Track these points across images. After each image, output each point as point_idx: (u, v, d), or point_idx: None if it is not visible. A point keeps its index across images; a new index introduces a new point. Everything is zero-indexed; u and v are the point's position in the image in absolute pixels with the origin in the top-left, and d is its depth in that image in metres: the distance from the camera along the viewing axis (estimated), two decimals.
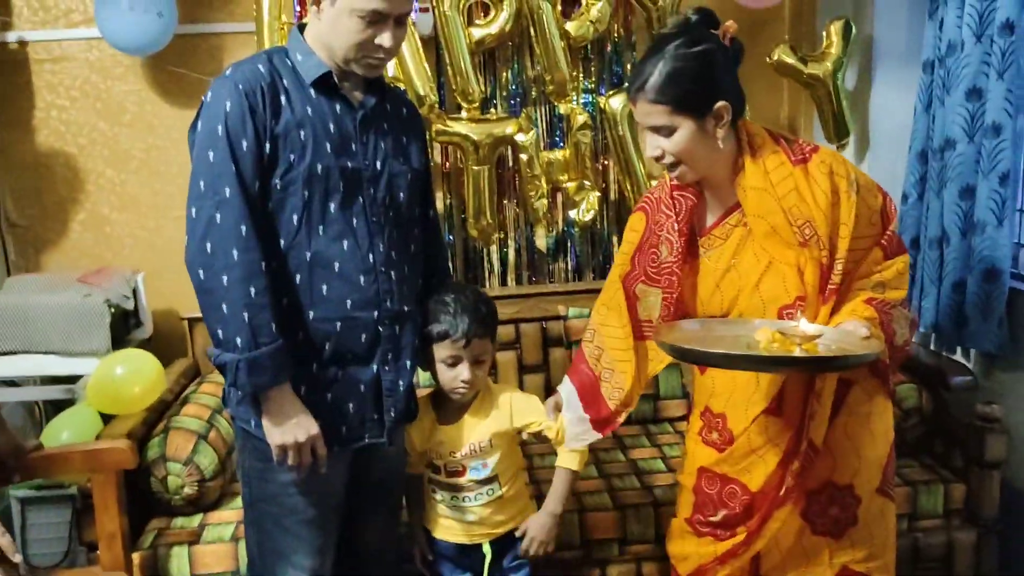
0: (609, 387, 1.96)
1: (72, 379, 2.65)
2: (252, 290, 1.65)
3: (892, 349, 1.77)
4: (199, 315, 2.99)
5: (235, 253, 1.65)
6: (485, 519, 2.00)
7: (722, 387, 1.89)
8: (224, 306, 1.65)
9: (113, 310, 2.69)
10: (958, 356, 2.75)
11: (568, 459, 2.00)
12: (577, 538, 2.38)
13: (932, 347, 2.81)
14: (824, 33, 3.03)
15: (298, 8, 3.02)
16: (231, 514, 2.44)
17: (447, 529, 2.03)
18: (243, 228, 1.66)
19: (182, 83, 3.07)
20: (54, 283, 2.77)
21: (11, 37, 2.99)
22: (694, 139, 1.69)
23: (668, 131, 1.69)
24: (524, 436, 2.07)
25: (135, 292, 2.88)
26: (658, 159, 1.74)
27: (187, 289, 3.22)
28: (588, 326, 2.01)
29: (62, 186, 3.09)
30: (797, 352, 1.59)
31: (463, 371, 1.89)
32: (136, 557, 2.25)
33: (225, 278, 1.64)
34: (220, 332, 1.67)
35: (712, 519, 1.93)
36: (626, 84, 1.72)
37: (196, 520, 2.42)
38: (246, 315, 1.64)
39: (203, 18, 3.05)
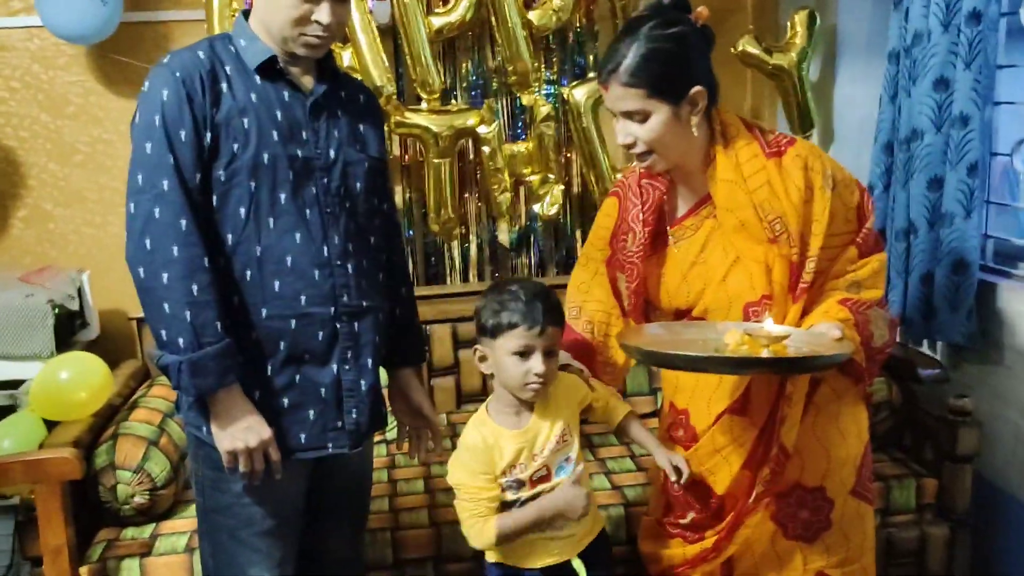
0: (603, 359, 1.91)
1: (13, 384, 2.51)
2: (194, 287, 1.56)
3: (870, 350, 1.72)
4: None
5: (175, 249, 1.55)
6: (577, 528, 1.78)
7: (685, 382, 1.85)
8: (165, 305, 1.56)
9: (57, 311, 2.56)
10: (925, 348, 2.74)
11: (623, 407, 1.89)
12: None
13: (900, 340, 2.79)
14: (788, 23, 3.00)
15: None
16: (185, 523, 2.33)
17: (536, 554, 1.78)
18: (183, 222, 1.56)
19: (128, 73, 2.94)
20: None
21: None
22: (668, 126, 1.63)
23: (642, 116, 1.63)
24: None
25: (80, 292, 2.75)
26: (629, 147, 1.68)
27: (135, 288, 3.11)
28: (568, 305, 1.93)
29: (1, 180, 2.95)
30: (764, 354, 1.54)
31: (536, 363, 1.68)
32: (84, 571, 2.14)
33: (165, 276, 1.55)
34: (163, 333, 1.58)
35: (681, 521, 1.88)
36: (598, 68, 1.66)
37: (148, 530, 2.30)
38: (188, 314, 1.55)
39: (150, 5, 2.92)
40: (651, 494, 2.01)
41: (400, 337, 1.91)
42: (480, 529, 1.70)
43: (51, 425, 2.37)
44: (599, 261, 1.92)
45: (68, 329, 2.67)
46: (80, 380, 2.38)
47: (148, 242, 1.56)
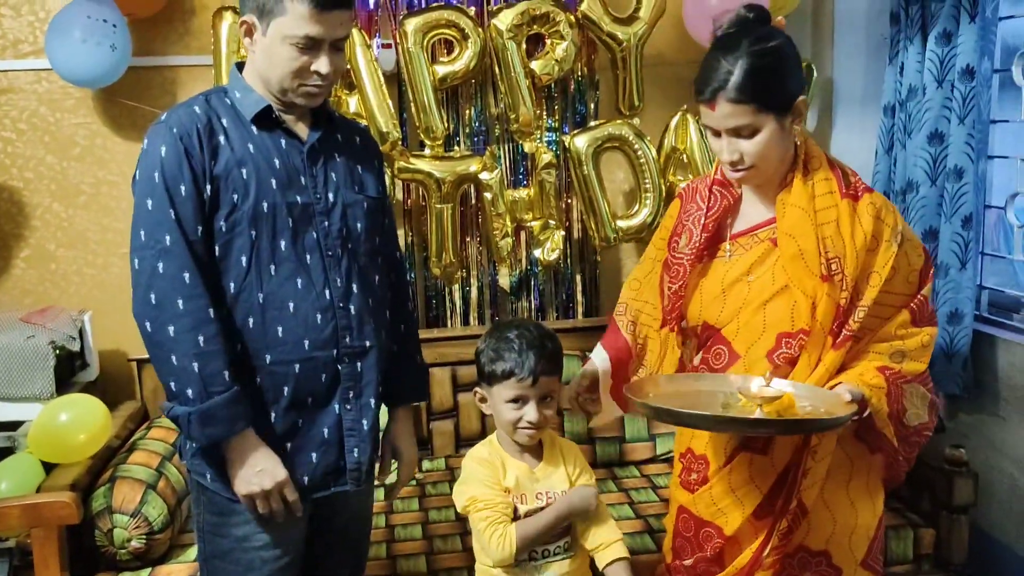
0: (636, 366, 1.91)
1: (12, 425, 2.51)
2: (200, 339, 1.58)
3: (901, 428, 1.69)
4: (148, 356, 2.93)
5: (180, 302, 1.57)
6: (559, 568, 1.80)
7: None
8: (173, 358, 1.58)
9: (58, 352, 2.57)
10: None
11: (618, 548, 1.83)
12: None
13: None
14: None
15: None
16: (181, 568, 2.32)
17: None
18: (186, 276, 1.59)
19: (135, 116, 2.97)
20: None
21: None
22: (775, 139, 1.62)
23: (751, 131, 1.61)
24: None
25: (81, 333, 2.75)
26: (734, 164, 1.66)
27: (135, 330, 3.11)
28: (619, 301, 1.95)
29: (5, 221, 2.97)
30: (757, 413, 1.54)
31: (530, 411, 1.73)
32: None
33: (172, 329, 1.57)
34: (172, 385, 1.60)
35: (686, 562, 1.88)
36: (696, 87, 1.65)
37: (143, 575, 2.29)
38: (195, 365, 1.57)
39: (158, 51, 2.96)
40: (665, 540, 2.01)
41: (400, 375, 1.91)
42: (502, 534, 1.71)
43: (49, 467, 2.37)
44: (656, 261, 1.91)
45: (68, 369, 2.67)
46: (79, 422, 2.38)
47: (153, 296, 1.58)
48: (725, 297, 1.74)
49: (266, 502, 1.65)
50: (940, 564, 2.45)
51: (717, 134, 1.66)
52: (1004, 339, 2.52)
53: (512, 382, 1.72)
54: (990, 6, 2.47)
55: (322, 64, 1.65)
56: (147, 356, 2.87)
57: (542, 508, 1.76)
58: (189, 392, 1.57)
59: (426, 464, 2.97)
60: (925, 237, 2.61)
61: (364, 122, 2.77)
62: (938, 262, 2.58)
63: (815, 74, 3.02)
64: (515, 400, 1.73)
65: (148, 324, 1.60)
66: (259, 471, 1.63)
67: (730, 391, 1.65)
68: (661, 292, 1.88)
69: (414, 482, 2.84)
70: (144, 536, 2.26)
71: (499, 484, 1.75)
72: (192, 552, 2.40)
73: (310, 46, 1.63)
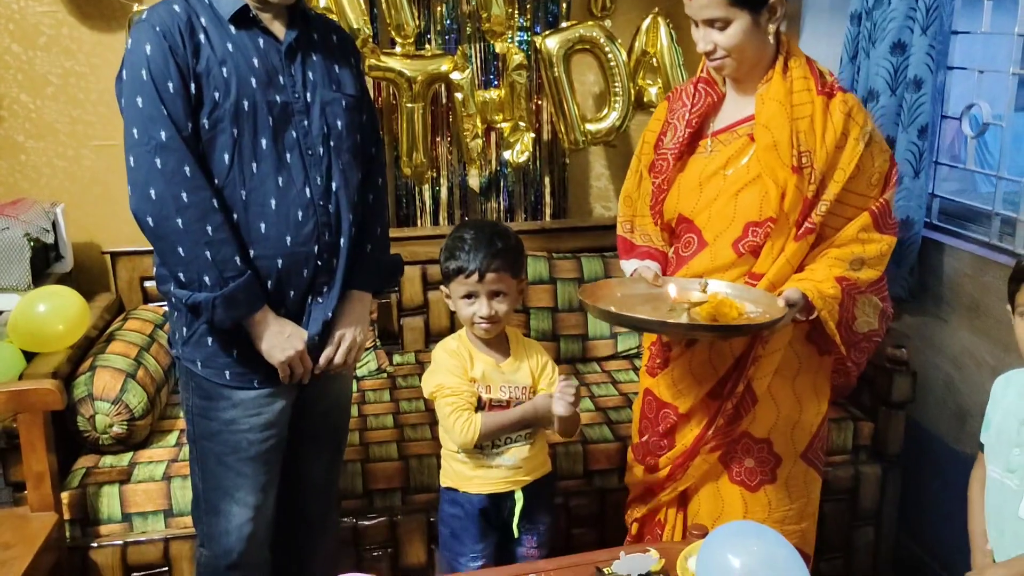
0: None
1: None
2: (209, 228, 1.65)
3: (850, 333, 1.82)
4: (122, 249, 2.98)
5: (184, 195, 1.63)
6: (523, 462, 1.92)
7: None
8: (180, 249, 1.65)
9: (33, 244, 2.60)
10: None
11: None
12: (581, 469, 2.49)
13: None
14: None
15: None
16: (162, 452, 2.43)
17: (481, 480, 1.92)
18: (187, 169, 1.64)
19: (102, 5, 2.93)
20: None
21: None
22: (748, 33, 1.72)
23: (723, 23, 1.72)
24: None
25: (55, 225, 2.78)
26: (709, 53, 1.76)
27: (108, 222, 3.15)
28: (621, 219, 2.04)
29: None
30: (683, 317, 1.67)
31: (481, 306, 1.84)
32: (65, 496, 2.23)
33: (180, 221, 1.64)
34: (182, 274, 1.67)
35: (643, 439, 2.02)
36: None
37: (125, 459, 2.40)
38: (208, 253, 1.65)
39: None
40: (633, 424, 2.15)
41: (359, 267, 1.92)
42: (466, 421, 1.84)
43: (28, 356, 2.44)
44: (644, 166, 2.00)
45: (43, 261, 2.72)
46: (58, 313, 2.44)
47: (153, 192, 1.64)
48: (702, 189, 1.85)
49: (300, 362, 1.77)
50: (876, 454, 2.63)
51: (697, 25, 1.76)
52: (951, 246, 2.63)
53: (461, 279, 1.84)
54: None
55: None
56: (121, 249, 2.96)
57: (506, 401, 1.87)
58: (206, 279, 1.66)
59: (396, 358, 3.08)
60: None
61: (334, 18, 2.76)
62: None
63: None
64: (467, 296, 1.85)
65: (150, 219, 1.66)
66: (288, 336, 1.75)
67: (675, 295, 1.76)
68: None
69: (384, 375, 2.95)
70: (125, 422, 2.36)
71: (466, 374, 1.85)
72: (171, 437, 2.52)
73: None
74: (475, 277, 1.83)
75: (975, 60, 2.70)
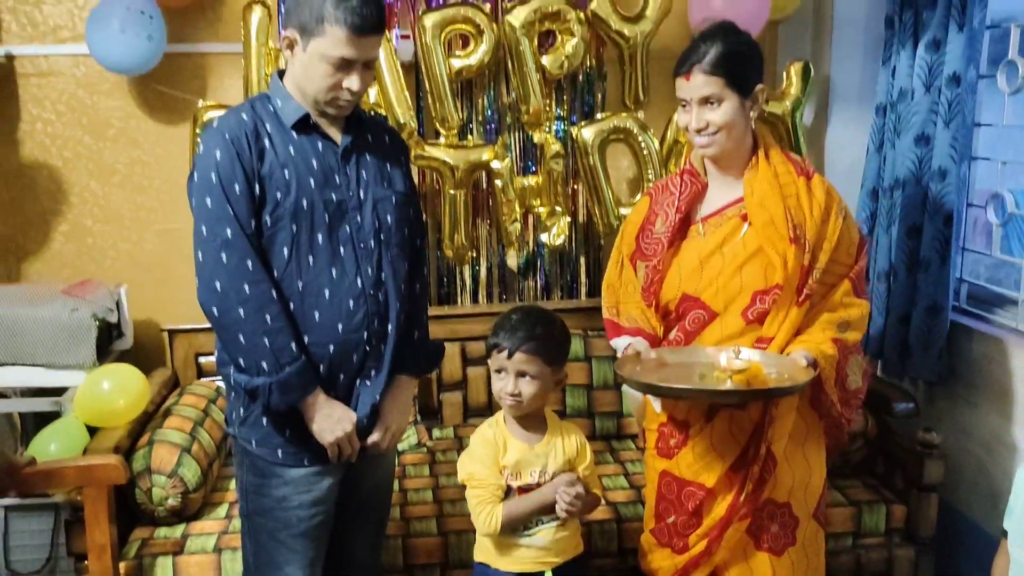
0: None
1: (58, 391, 2.72)
2: (267, 317, 1.79)
3: (843, 392, 1.97)
4: (179, 327, 3.14)
5: (246, 287, 1.78)
6: (553, 543, 1.97)
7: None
8: (241, 337, 1.79)
9: (99, 323, 2.76)
10: (902, 383, 2.93)
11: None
12: (615, 547, 2.56)
13: (879, 375, 2.99)
14: (784, 73, 3.19)
15: (282, 33, 3.11)
16: (213, 524, 2.54)
17: (512, 559, 1.97)
18: (249, 263, 1.79)
19: (166, 100, 3.15)
20: (38, 295, 2.83)
21: None
22: (737, 114, 1.93)
23: (717, 101, 1.91)
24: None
25: (118, 304, 2.95)
26: (700, 130, 1.94)
27: (166, 301, 3.33)
28: (606, 305, 2.15)
29: (45, 197, 3.15)
30: (728, 384, 1.80)
31: (507, 383, 1.94)
32: (122, 567, 2.34)
33: (241, 311, 1.78)
34: (241, 360, 1.82)
35: (668, 520, 2.08)
36: (677, 64, 1.98)
37: (179, 530, 2.51)
38: (267, 341, 1.79)
39: (190, 38, 3.12)
40: (645, 509, 2.21)
41: (404, 350, 2.02)
42: (489, 512, 1.92)
43: (91, 430, 2.58)
44: (626, 256, 2.14)
45: (106, 339, 2.87)
46: (120, 390, 2.59)
47: (218, 284, 1.79)
48: (703, 268, 2.00)
49: (348, 443, 1.89)
50: (909, 537, 2.66)
51: (687, 109, 1.96)
52: (979, 331, 2.69)
53: (495, 353, 1.96)
54: (978, 17, 2.61)
55: (353, 82, 1.83)
56: (178, 327, 3.12)
57: (535, 485, 1.96)
58: (264, 365, 1.79)
59: (436, 432, 3.17)
60: (909, 233, 2.77)
61: (382, 111, 2.94)
62: (921, 257, 2.74)
63: (812, 72, 3.16)
64: (499, 371, 1.96)
65: (215, 309, 1.81)
66: (338, 419, 1.88)
67: (705, 362, 1.90)
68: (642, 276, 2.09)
69: (424, 450, 3.05)
70: (180, 495, 2.48)
71: (496, 464, 1.94)
72: (222, 510, 2.63)
73: (344, 66, 1.81)
74: (505, 354, 1.93)
75: (999, 150, 2.80)
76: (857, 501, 2.65)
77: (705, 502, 2.02)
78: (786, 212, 1.93)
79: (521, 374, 1.94)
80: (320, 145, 1.90)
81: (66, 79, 3.11)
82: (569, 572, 2.02)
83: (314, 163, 1.88)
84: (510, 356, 1.93)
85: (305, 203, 1.85)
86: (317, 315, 1.87)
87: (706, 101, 1.92)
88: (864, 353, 2.08)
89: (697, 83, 1.92)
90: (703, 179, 2.06)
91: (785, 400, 1.91)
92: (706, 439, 2.00)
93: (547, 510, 1.96)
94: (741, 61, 1.92)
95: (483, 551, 2.02)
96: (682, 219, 2.04)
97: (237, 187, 1.80)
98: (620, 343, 2.07)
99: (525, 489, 1.95)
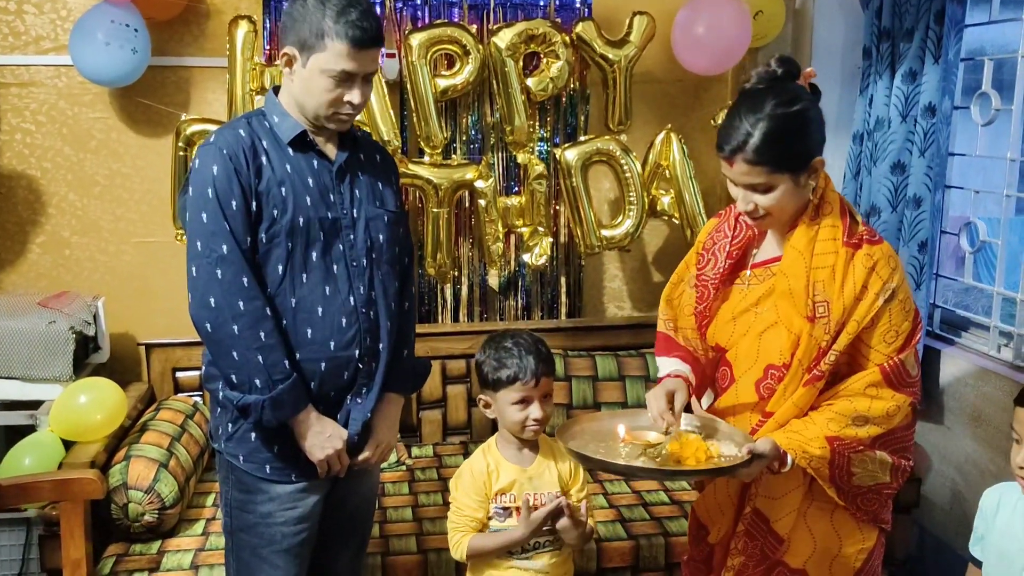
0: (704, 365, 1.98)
1: (33, 404, 2.68)
2: (262, 334, 1.78)
3: (850, 487, 1.75)
4: (156, 341, 3.11)
5: (241, 304, 1.77)
6: (550, 567, 1.95)
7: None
8: (234, 353, 1.78)
9: (76, 336, 2.73)
10: None
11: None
12: (594, 567, 2.56)
13: None
14: None
15: (267, 48, 3.12)
16: (190, 541, 2.51)
17: None
18: (244, 280, 1.78)
19: (149, 113, 3.13)
20: (14, 306, 2.79)
21: None
22: (788, 195, 1.70)
23: (765, 188, 1.69)
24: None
25: (95, 317, 2.92)
26: (749, 213, 1.75)
27: (144, 314, 3.31)
28: (663, 318, 2.00)
29: (23, 208, 3.12)
30: (641, 460, 1.72)
31: (534, 410, 1.91)
32: None
33: (235, 327, 1.77)
34: (234, 376, 1.80)
35: (687, 558, 2.05)
36: (719, 142, 1.71)
37: (155, 547, 2.48)
38: (260, 357, 1.78)
39: (173, 51, 3.12)
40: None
41: (393, 368, 2.03)
42: (457, 541, 1.93)
43: (67, 444, 2.55)
44: (685, 280, 1.98)
45: (83, 352, 2.84)
46: (98, 404, 2.56)
47: (212, 300, 1.78)
48: (735, 323, 1.85)
49: (338, 460, 1.88)
50: (886, 558, 2.67)
51: (735, 183, 1.73)
52: (951, 354, 2.74)
53: (518, 385, 1.90)
54: (953, 49, 2.68)
55: (355, 95, 1.84)
56: (156, 341, 3.09)
57: (531, 507, 1.95)
58: (257, 382, 1.78)
59: (415, 451, 3.17)
60: None
61: (367, 129, 2.94)
62: None
63: None
64: (520, 402, 1.91)
65: (208, 325, 1.79)
66: (328, 436, 1.87)
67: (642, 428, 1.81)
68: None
69: (404, 467, 3.04)
70: (157, 511, 2.45)
71: (480, 494, 1.92)
72: (199, 527, 2.60)
73: (345, 79, 1.81)
74: (532, 383, 1.90)
75: (970, 180, 2.87)
76: None
77: (715, 552, 1.94)
78: (809, 285, 1.70)
79: (544, 396, 1.93)
80: (315, 163, 1.91)
81: (47, 90, 3.08)
82: None
83: (310, 181, 1.88)
84: (537, 383, 1.90)
85: (301, 221, 1.85)
86: (310, 332, 1.87)
87: (753, 188, 1.69)
88: (906, 443, 1.81)
89: (740, 171, 1.68)
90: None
91: (780, 482, 1.76)
92: (712, 490, 1.92)
93: (512, 549, 1.93)
94: (790, 141, 1.66)
95: (476, 573, 2.01)
96: (733, 264, 1.86)
97: (234, 203, 1.80)
98: (664, 365, 1.94)
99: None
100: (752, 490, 1.83)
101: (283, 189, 1.85)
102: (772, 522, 1.81)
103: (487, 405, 1.97)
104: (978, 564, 1.79)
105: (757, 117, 1.65)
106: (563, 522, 1.89)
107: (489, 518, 1.93)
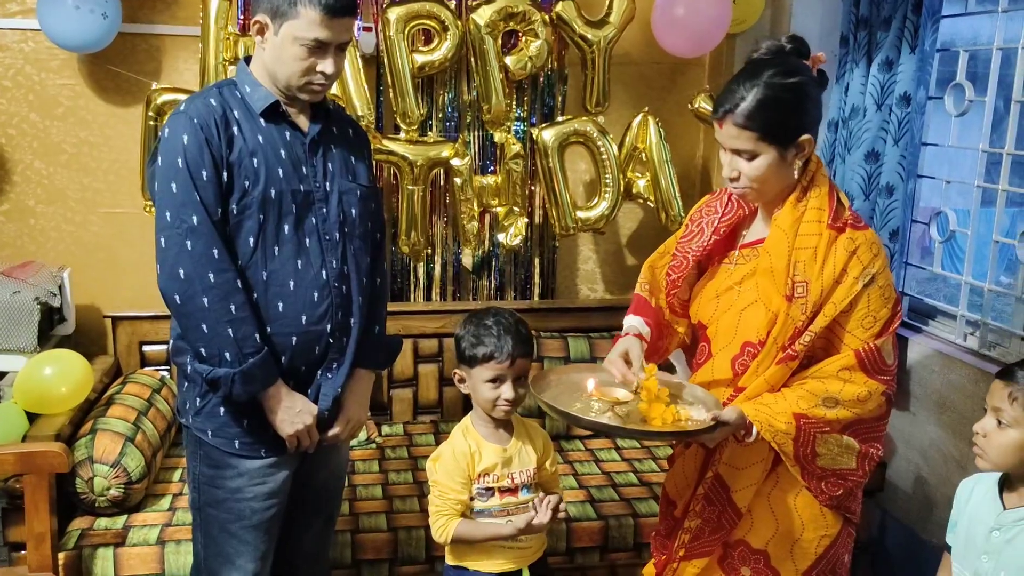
0: (668, 334, 2.01)
1: None
2: (232, 306, 1.76)
3: (813, 468, 1.76)
4: (122, 313, 3.06)
5: (211, 276, 1.74)
6: (534, 539, 1.98)
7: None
8: (204, 326, 1.75)
9: (41, 307, 2.68)
10: None
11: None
12: (564, 547, 2.58)
13: None
14: None
15: (241, 18, 3.06)
16: (156, 516, 2.49)
17: (491, 561, 1.95)
18: (215, 251, 1.75)
19: (118, 80, 3.07)
20: None
21: None
22: (772, 167, 1.71)
23: (750, 156, 1.71)
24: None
25: (61, 288, 2.86)
26: (732, 180, 1.76)
27: (111, 286, 3.26)
28: (640, 280, 2.02)
29: None
30: (606, 417, 1.72)
31: (506, 390, 1.90)
32: (61, 557, 2.27)
33: (205, 300, 1.74)
34: (203, 349, 1.77)
35: (653, 533, 2.08)
36: (714, 104, 1.74)
37: (120, 521, 2.45)
38: (230, 330, 1.75)
39: (145, 18, 3.05)
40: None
41: (364, 344, 2.02)
42: (443, 525, 1.91)
43: (31, 417, 2.50)
44: (669, 253, 2.00)
45: (48, 324, 2.79)
46: (63, 376, 2.52)
47: (182, 271, 1.75)
48: (718, 301, 1.88)
49: (307, 435, 1.87)
50: None
51: (725, 149, 1.76)
52: (917, 342, 2.78)
53: (492, 364, 1.89)
54: (929, 40, 2.70)
55: (327, 65, 1.81)
56: (122, 314, 3.05)
57: (511, 488, 1.95)
58: (227, 355, 1.76)
59: (385, 429, 3.16)
60: None
61: (341, 103, 2.90)
62: None
63: None
64: (493, 380, 1.91)
65: (177, 297, 1.76)
66: (299, 411, 1.86)
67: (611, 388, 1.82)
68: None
69: (374, 445, 3.03)
70: (123, 485, 2.42)
71: (463, 476, 1.91)
72: (165, 502, 2.58)
73: (318, 48, 1.79)
74: (507, 362, 1.89)
75: (942, 170, 2.90)
76: None
77: (676, 526, 1.95)
78: (790, 265, 1.72)
79: (518, 378, 1.93)
80: (288, 134, 1.88)
81: (13, 54, 3.00)
82: (541, 568, 2.03)
83: (282, 152, 1.86)
84: (512, 363, 1.90)
85: (273, 193, 1.83)
86: (281, 306, 1.85)
87: (738, 153, 1.72)
88: (876, 433, 1.81)
89: (729, 134, 1.71)
90: (753, 203, 1.86)
91: (745, 452, 1.78)
92: (682, 462, 1.94)
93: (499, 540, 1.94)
94: (781, 111, 1.68)
95: (457, 554, 1.99)
96: (719, 241, 1.88)
97: (205, 173, 1.77)
98: (627, 322, 1.96)
99: (505, 491, 1.95)
100: (716, 455, 1.85)
101: (255, 160, 1.82)
102: (732, 491, 1.83)
103: (461, 380, 1.97)
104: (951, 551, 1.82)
105: (753, 83, 1.68)
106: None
107: (471, 498, 1.93)
